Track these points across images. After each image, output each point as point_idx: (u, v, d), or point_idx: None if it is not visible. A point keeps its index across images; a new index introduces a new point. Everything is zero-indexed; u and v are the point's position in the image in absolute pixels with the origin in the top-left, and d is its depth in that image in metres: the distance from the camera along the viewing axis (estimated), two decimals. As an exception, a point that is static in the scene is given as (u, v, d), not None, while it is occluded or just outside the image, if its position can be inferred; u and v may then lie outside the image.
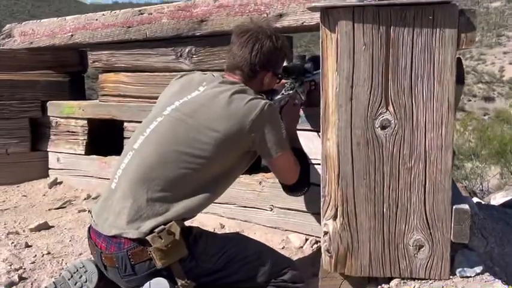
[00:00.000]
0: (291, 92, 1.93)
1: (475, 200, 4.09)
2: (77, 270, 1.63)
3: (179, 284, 1.50)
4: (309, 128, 2.15)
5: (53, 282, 1.67)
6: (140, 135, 1.65)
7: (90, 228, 1.63)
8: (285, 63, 1.87)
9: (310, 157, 1.99)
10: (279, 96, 1.89)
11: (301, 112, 2.08)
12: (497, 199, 4.60)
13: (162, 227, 1.48)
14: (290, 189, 1.83)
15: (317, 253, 2.08)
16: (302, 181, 1.79)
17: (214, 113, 1.59)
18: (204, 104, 1.62)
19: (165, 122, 1.64)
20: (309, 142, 2.13)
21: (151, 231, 1.48)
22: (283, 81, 1.94)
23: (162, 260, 1.47)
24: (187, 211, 1.56)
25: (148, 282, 1.47)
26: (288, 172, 1.75)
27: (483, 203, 3.29)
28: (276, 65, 1.77)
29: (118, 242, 1.50)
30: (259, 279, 1.59)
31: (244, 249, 1.63)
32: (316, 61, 1.84)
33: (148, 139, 1.62)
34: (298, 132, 2.00)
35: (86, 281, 1.60)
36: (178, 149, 1.57)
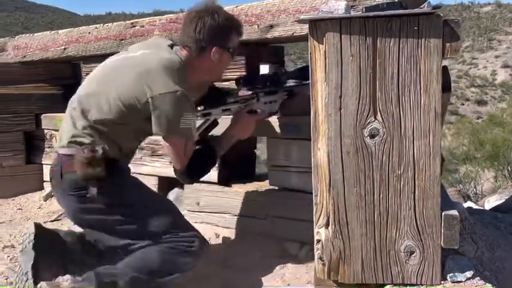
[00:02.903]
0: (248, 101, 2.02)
1: (469, 203, 4.12)
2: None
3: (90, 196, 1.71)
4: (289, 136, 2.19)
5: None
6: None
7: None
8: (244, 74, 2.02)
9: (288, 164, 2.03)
10: (232, 100, 2.00)
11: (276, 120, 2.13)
12: (491, 202, 4.61)
13: (88, 144, 1.72)
14: (175, 171, 1.94)
15: (312, 261, 2.09)
16: (188, 173, 1.90)
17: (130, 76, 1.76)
18: (130, 65, 1.81)
19: (107, 68, 1.90)
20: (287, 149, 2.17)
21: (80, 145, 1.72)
22: (247, 92, 2.00)
23: (81, 171, 1.68)
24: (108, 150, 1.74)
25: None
26: (174, 156, 1.85)
27: (474, 207, 3.32)
28: (222, 40, 1.88)
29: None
30: (154, 228, 1.75)
31: (153, 212, 1.79)
32: (294, 72, 1.96)
33: (94, 75, 1.91)
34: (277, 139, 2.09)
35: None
36: (104, 96, 1.77)
